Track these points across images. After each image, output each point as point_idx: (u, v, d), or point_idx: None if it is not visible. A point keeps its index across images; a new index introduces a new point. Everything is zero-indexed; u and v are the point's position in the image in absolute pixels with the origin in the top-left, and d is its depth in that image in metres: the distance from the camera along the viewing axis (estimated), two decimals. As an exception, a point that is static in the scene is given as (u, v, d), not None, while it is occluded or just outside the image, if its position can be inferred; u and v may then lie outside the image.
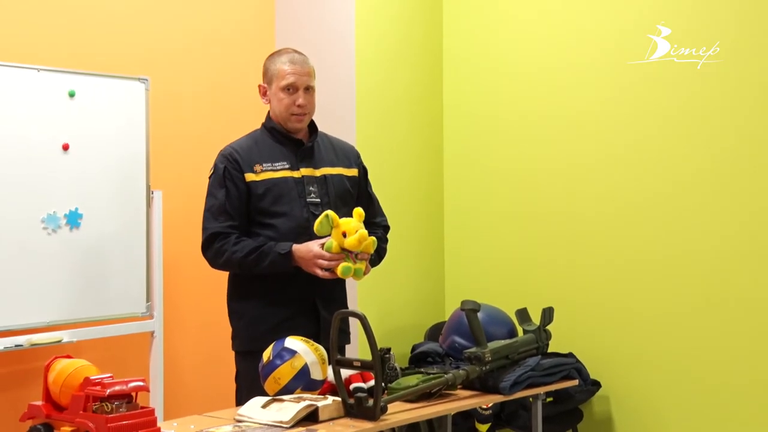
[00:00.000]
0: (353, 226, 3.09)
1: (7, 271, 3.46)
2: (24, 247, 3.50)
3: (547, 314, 3.54)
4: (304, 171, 3.31)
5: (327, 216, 3.07)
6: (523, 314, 3.55)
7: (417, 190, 4.68)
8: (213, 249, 3.23)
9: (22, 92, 3.52)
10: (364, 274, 3.17)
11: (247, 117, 3.87)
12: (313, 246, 3.14)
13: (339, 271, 3.09)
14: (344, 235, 3.07)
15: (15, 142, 3.49)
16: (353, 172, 3.45)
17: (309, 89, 3.33)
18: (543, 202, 4.45)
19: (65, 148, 3.63)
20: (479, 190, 4.68)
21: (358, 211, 3.14)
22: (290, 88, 3.29)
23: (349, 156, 3.49)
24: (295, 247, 3.17)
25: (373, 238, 3.13)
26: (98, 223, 3.71)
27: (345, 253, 3.10)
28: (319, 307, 3.27)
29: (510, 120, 4.57)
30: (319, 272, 3.12)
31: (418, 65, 4.71)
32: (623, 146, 4.21)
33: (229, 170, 3.25)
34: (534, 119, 4.48)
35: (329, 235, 3.09)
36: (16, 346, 3.49)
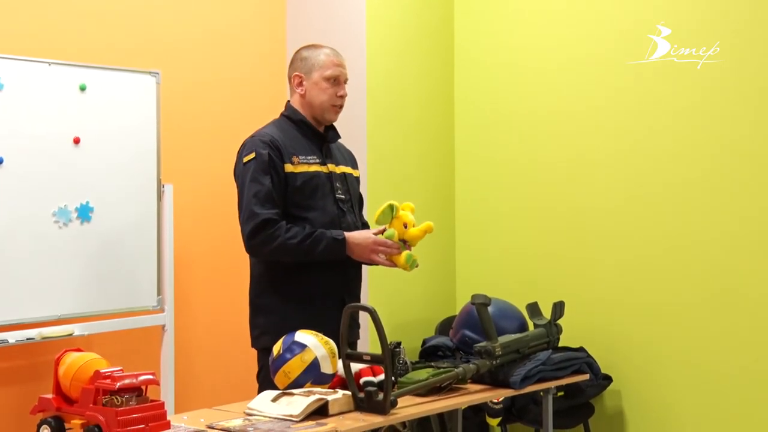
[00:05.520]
0: (411, 218, 3.19)
1: (19, 264, 3.47)
2: (35, 241, 3.51)
3: (558, 308, 3.54)
4: (331, 167, 3.34)
5: (391, 206, 3.15)
6: (533, 308, 3.54)
7: (428, 185, 4.67)
8: (264, 235, 3.14)
9: (33, 86, 3.53)
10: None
11: (257, 110, 3.88)
12: (370, 234, 3.20)
13: (402, 259, 3.18)
14: (405, 226, 3.16)
15: (26, 136, 3.50)
16: (357, 173, 3.51)
17: (346, 82, 3.39)
18: (553, 196, 4.45)
19: (76, 141, 3.63)
20: (490, 184, 4.68)
21: (410, 206, 3.22)
22: (334, 79, 3.32)
23: (352, 157, 3.55)
24: (349, 234, 3.19)
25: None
26: (109, 216, 3.72)
27: (400, 243, 3.18)
28: (347, 303, 3.22)
29: (520, 116, 4.57)
30: (379, 259, 3.18)
31: (429, 61, 4.70)
32: (626, 145, 4.22)
33: (273, 158, 3.20)
34: (542, 115, 4.49)
35: (386, 225, 3.18)
36: (27, 339, 3.50)
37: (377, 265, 3.24)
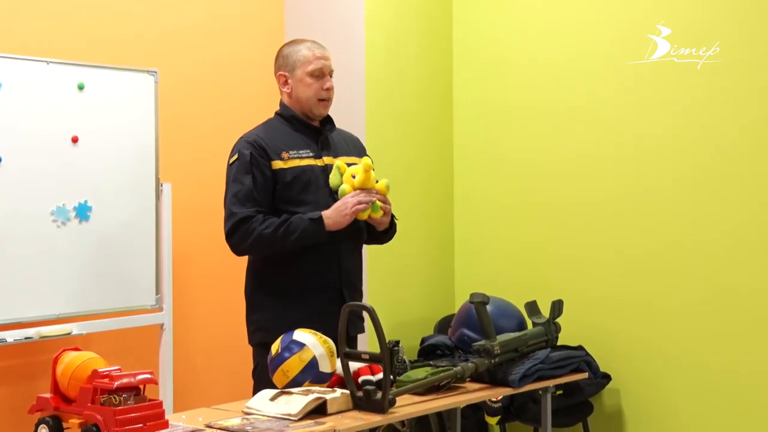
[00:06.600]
0: (356, 168, 3.23)
1: (17, 263, 3.47)
2: (33, 240, 3.51)
3: (557, 307, 3.53)
4: (327, 159, 3.32)
5: (337, 167, 3.21)
6: (532, 307, 3.54)
7: (427, 182, 4.67)
8: (240, 231, 3.16)
9: (32, 85, 3.52)
10: (385, 215, 3.25)
11: (256, 109, 3.86)
12: (340, 201, 3.20)
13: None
14: (353, 177, 3.19)
15: (24, 135, 3.49)
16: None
17: (331, 74, 3.36)
18: (553, 194, 4.44)
19: (74, 140, 3.63)
20: (489, 182, 4.68)
21: (365, 161, 3.22)
22: (317, 74, 3.30)
23: (357, 145, 3.51)
24: (324, 211, 3.18)
25: (385, 180, 3.25)
26: (108, 215, 3.71)
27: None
28: (346, 296, 3.26)
29: (519, 115, 4.57)
30: (356, 208, 3.15)
31: (428, 56, 4.70)
32: (626, 144, 4.22)
33: (255, 157, 3.21)
34: (541, 115, 4.49)
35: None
36: (25, 338, 3.49)
37: (359, 218, 3.21)
